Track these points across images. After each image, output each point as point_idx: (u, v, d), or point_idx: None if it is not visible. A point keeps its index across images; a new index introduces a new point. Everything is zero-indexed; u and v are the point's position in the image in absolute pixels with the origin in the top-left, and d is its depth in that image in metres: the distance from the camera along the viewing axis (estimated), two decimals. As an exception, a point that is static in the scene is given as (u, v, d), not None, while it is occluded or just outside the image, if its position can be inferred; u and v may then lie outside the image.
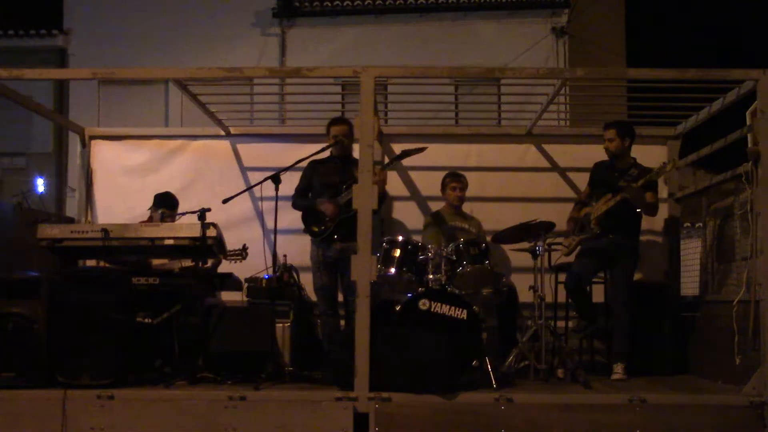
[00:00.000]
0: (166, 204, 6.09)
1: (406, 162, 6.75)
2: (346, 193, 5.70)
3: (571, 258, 5.88)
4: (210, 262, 5.81)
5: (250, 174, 6.92)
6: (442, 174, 6.44)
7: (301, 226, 5.96)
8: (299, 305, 5.88)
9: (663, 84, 5.74)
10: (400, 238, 5.58)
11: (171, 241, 5.24)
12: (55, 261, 5.46)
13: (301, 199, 5.98)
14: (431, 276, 5.30)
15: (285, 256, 6.01)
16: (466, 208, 6.39)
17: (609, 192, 5.63)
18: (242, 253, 5.66)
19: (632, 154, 5.79)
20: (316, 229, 5.82)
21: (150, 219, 6.11)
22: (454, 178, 6.29)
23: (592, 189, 5.94)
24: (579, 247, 5.79)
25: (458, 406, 4.62)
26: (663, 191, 6.77)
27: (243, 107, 7.58)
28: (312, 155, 5.75)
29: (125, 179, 7.05)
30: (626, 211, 5.58)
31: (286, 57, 14.20)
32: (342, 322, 6.02)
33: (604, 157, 5.88)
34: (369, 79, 4.94)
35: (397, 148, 6.44)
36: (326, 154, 5.89)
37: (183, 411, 4.61)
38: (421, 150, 5.85)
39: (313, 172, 5.98)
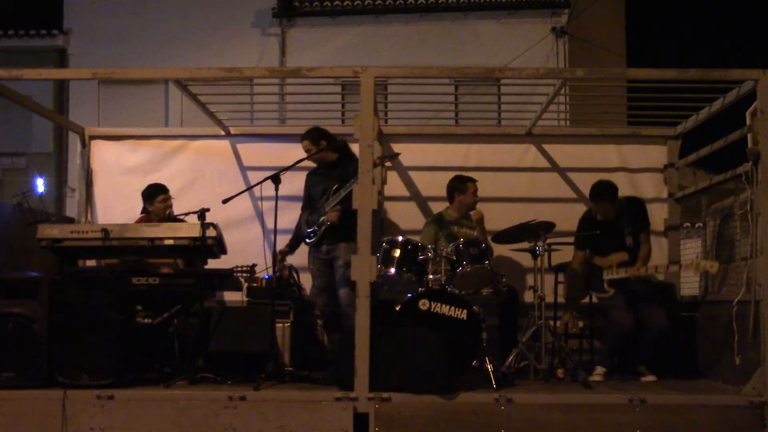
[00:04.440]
0: (160, 190, 6.15)
1: (406, 162, 6.78)
2: (330, 200, 5.85)
3: (568, 257, 5.94)
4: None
5: (250, 174, 6.92)
6: (441, 174, 6.43)
7: (301, 226, 6.06)
8: (299, 305, 5.89)
9: (663, 84, 5.74)
10: (400, 238, 5.58)
11: (171, 241, 5.24)
12: (55, 261, 5.46)
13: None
14: (431, 276, 5.30)
15: (290, 265, 6.09)
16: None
17: (615, 249, 5.59)
18: (250, 272, 5.68)
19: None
20: (307, 234, 6.00)
21: (148, 217, 6.10)
22: (473, 181, 6.17)
23: (584, 249, 5.81)
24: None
25: (458, 406, 4.61)
26: (663, 191, 6.79)
27: (243, 107, 7.57)
28: (295, 163, 5.76)
29: (125, 179, 7.03)
30: None
31: (286, 57, 14.21)
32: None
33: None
34: (369, 79, 4.94)
35: (397, 148, 6.45)
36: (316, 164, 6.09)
37: (183, 411, 4.61)
38: (396, 155, 6.02)
39: (307, 182, 6.19)
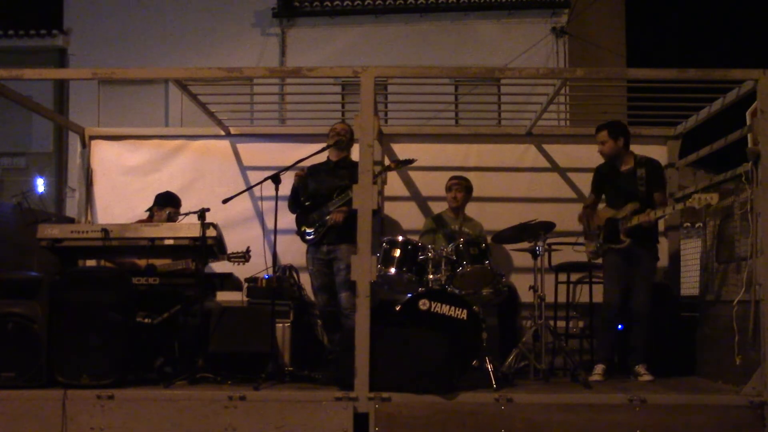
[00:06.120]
0: (172, 203, 6.10)
1: (406, 161, 6.78)
2: (338, 200, 5.81)
3: (568, 257, 5.92)
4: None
5: (250, 174, 6.92)
6: (441, 174, 6.44)
7: (301, 226, 6.01)
8: (299, 305, 5.89)
9: (663, 84, 5.74)
10: (400, 238, 5.58)
11: (171, 241, 5.24)
12: (55, 261, 5.46)
13: (294, 206, 6.08)
14: (431, 276, 5.30)
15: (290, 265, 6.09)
16: (467, 208, 6.38)
17: (627, 199, 5.58)
18: (245, 256, 5.69)
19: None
20: (308, 231, 5.94)
21: (150, 218, 6.10)
22: (453, 178, 6.28)
23: (598, 194, 5.89)
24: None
25: (458, 406, 4.61)
26: (663, 191, 6.78)
27: (243, 107, 7.58)
28: (312, 155, 5.75)
29: (125, 179, 7.04)
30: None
31: (286, 57, 14.21)
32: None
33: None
34: (369, 79, 4.94)
35: (397, 148, 6.45)
36: (322, 159, 5.97)
37: (183, 411, 4.61)
38: (411, 162, 5.91)
39: (309, 173, 6.04)
